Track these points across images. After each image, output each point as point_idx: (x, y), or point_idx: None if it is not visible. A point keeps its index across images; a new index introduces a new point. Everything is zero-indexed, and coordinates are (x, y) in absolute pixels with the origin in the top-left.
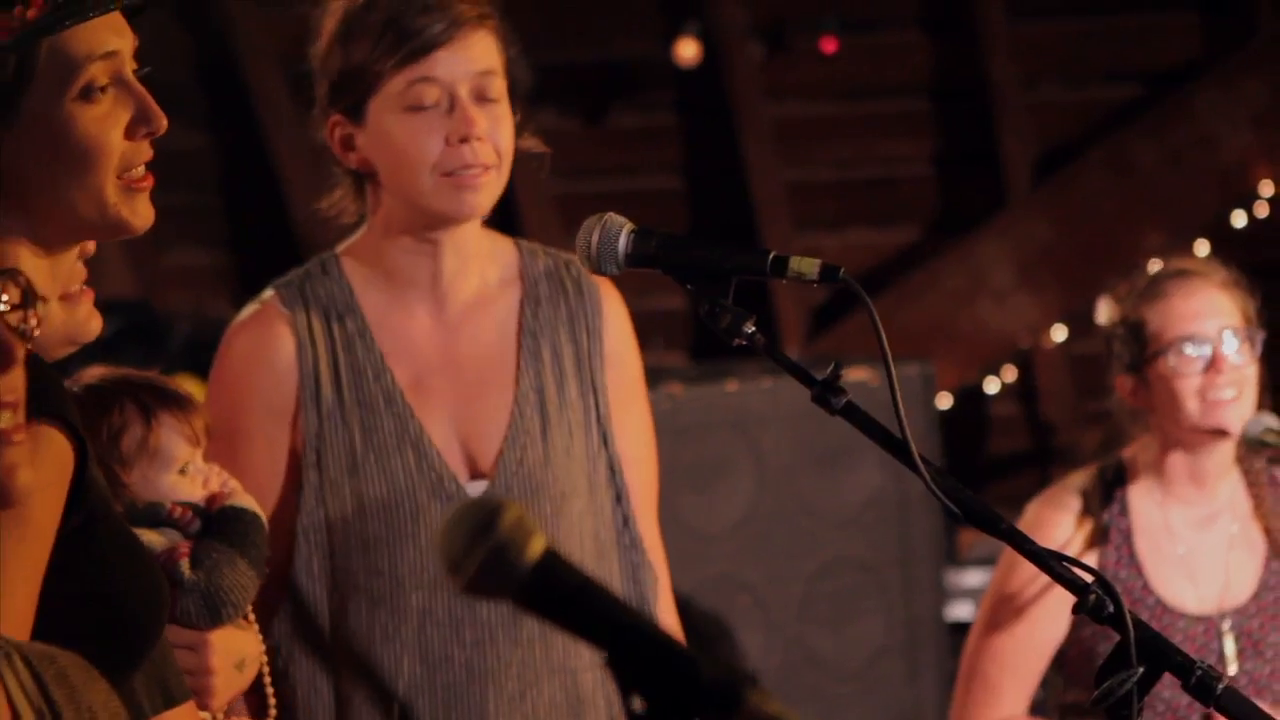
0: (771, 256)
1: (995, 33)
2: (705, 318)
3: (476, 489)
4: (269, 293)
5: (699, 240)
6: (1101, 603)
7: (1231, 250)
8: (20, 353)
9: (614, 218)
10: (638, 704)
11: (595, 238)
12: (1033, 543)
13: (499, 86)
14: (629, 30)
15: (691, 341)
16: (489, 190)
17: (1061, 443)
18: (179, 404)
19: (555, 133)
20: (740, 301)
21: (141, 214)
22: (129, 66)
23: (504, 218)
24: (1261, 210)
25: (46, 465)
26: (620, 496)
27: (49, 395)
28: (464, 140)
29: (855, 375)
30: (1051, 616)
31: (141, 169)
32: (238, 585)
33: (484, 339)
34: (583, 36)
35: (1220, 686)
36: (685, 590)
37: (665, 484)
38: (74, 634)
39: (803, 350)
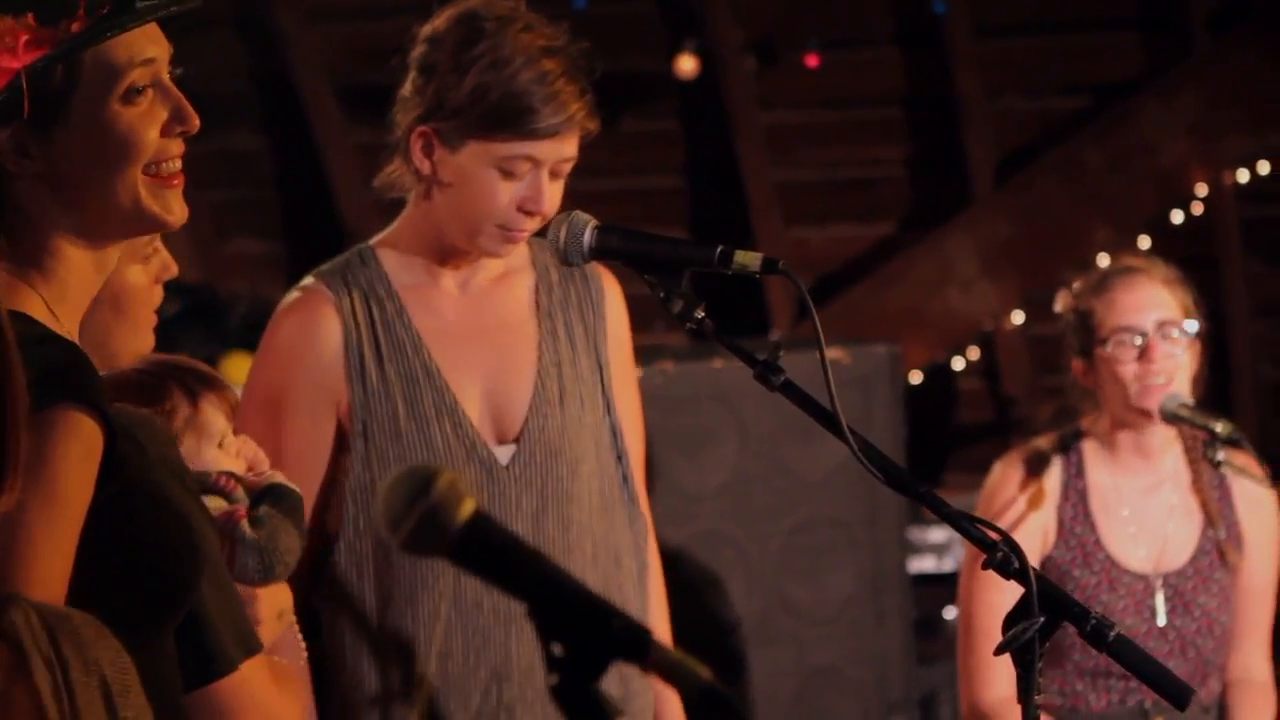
0: (719, 250)
1: (962, 49)
2: (661, 304)
3: (505, 453)
4: (311, 279)
5: (655, 236)
6: (1008, 559)
7: (1170, 245)
8: None
9: (579, 215)
10: (558, 649)
11: (563, 232)
12: (946, 505)
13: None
14: (636, 46)
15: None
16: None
17: (1021, 415)
18: (216, 384)
19: None
20: (736, 289)
21: (175, 210)
22: (166, 71)
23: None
24: (1197, 209)
25: (75, 446)
26: (620, 457)
27: (79, 382)
28: (531, 214)
29: (830, 354)
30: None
31: (174, 164)
32: (289, 547)
33: (506, 316)
34: (596, 53)
35: (1112, 634)
36: (676, 545)
37: (658, 450)
38: (115, 590)
39: (790, 332)
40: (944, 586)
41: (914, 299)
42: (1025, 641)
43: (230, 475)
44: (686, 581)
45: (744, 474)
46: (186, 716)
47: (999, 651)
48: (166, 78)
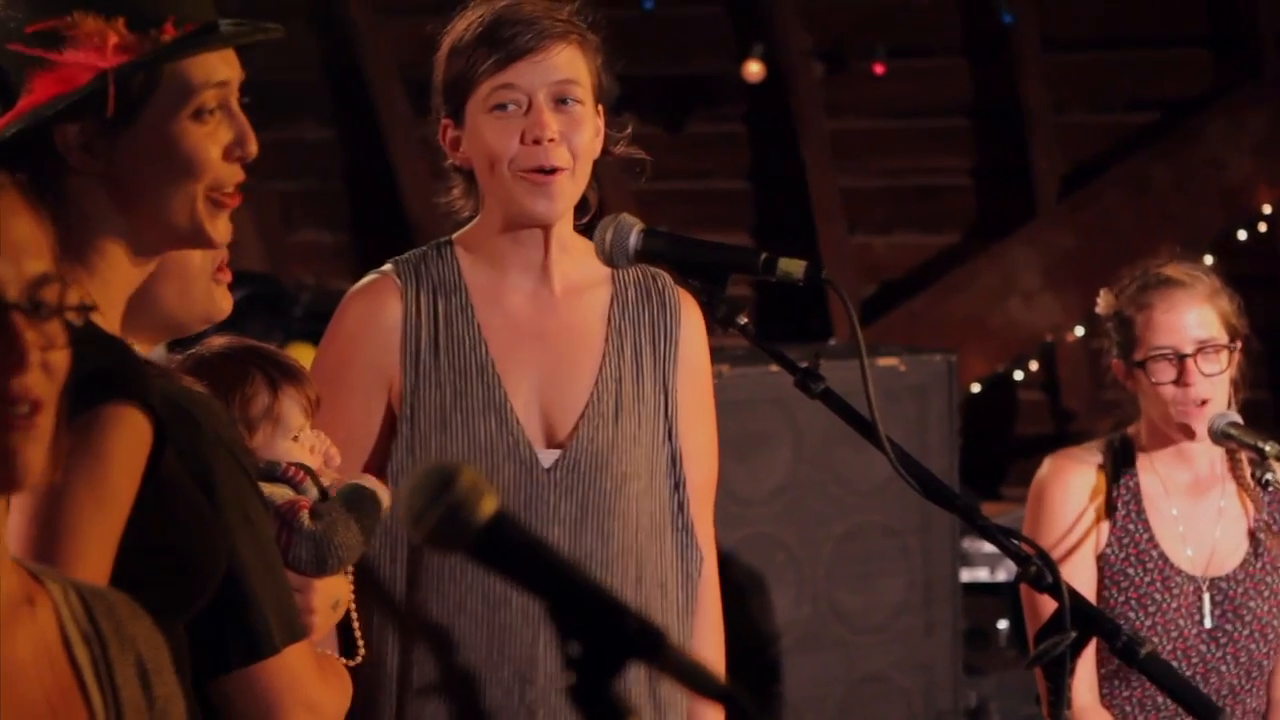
0: (763, 256)
1: (1030, 61)
2: (704, 308)
3: (549, 457)
4: (388, 266)
5: (701, 240)
6: (1041, 573)
7: (1235, 262)
8: (31, 356)
9: (626, 218)
10: (575, 648)
11: (610, 234)
12: (982, 517)
13: (578, 92)
14: (705, 50)
15: (754, 327)
16: (562, 193)
17: (1080, 428)
18: (298, 378)
19: (637, 138)
20: (799, 294)
21: (221, 230)
22: (235, 96)
23: (587, 213)
24: (1262, 227)
25: (125, 441)
26: (678, 485)
27: (128, 379)
28: (536, 141)
29: (886, 361)
30: (1076, 566)
31: (230, 188)
32: (346, 544)
33: (576, 322)
34: (664, 54)
35: (1143, 650)
36: (728, 547)
37: None
38: (143, 578)
39: (849, 339)
40: (997, 597)
41: (976, 309)
42: (1056, 656)
43: (301, 467)
44: (736, 585)
45: (797, 479)
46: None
47: (1029, 665)
48: (235, 103)
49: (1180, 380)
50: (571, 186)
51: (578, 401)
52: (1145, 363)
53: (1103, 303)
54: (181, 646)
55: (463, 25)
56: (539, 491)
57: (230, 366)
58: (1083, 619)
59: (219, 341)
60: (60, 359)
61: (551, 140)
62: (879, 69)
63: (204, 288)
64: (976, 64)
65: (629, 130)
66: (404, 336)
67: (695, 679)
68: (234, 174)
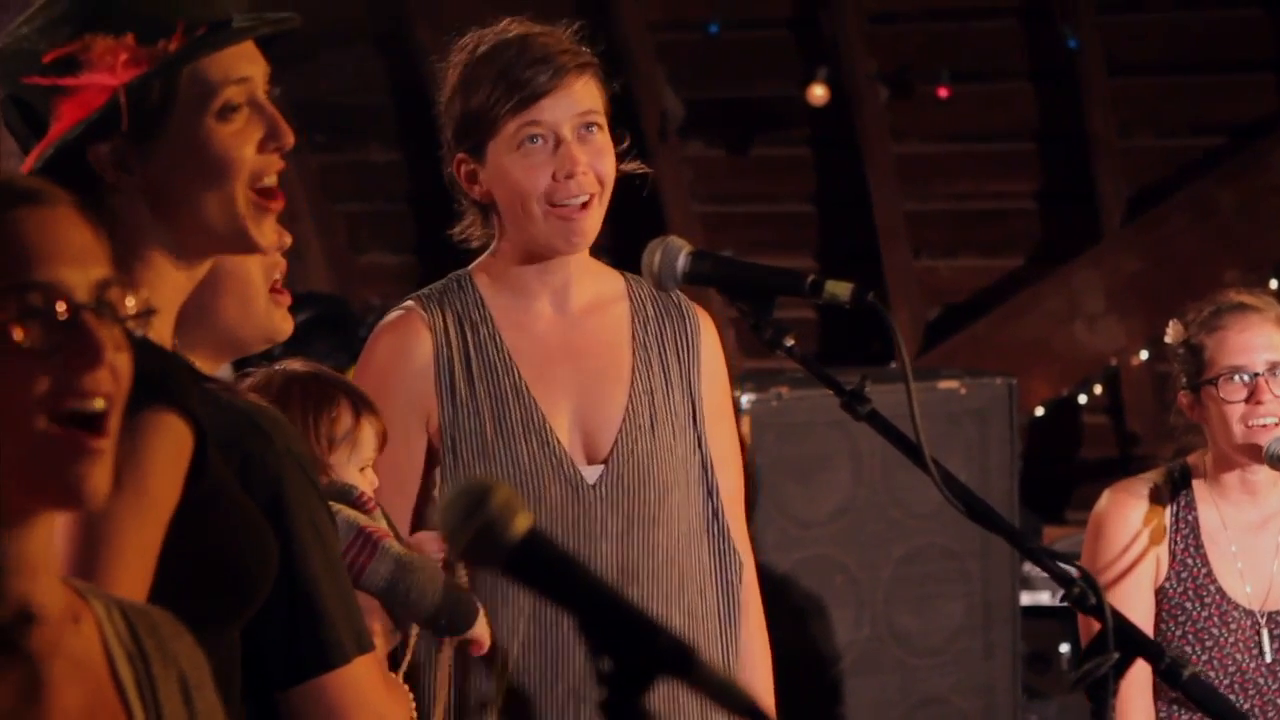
0: (810, 279)
1: (1095, 86)
2: (752, 330)
3: (593, 473)
4: (410, 301)
5: (748, 263)
6: (1085, 594)
7: None
8: (106, 353)
9: (674, 240)
10: (607, 664)
11: (658, 257)
12: (1026, 540)
13: (600, 120)
14: (770, 73)
15: (817, 349)
16: (591, 222)
17: (1144, 452)
18: (375, 409)
19: (703, 160)
20: (863, 320)
21: (267, 233)
22: (262, 90)
23: (652, 236)
24: None
25: (166, 448)
26: (711, 492)
27: (171, 385)
28: (569, 176)
29: (947, 384)
30: (1133, 599)
31: (272, 180)
32: (421, 586)
33: (602, 338)
34: (729, 78)
35: (1186, 673)
36: (787, 569)
37: (771, 474)
38: (190, 588)
39: (914, 363)
40: (1059, 621)
41: (1040, 333)
42: (1099, 677)
43: (372, 498)
44: (795, 607)
45: (857, 501)
46: (244, 715)
47: (1073, 687)
48: (263, 96)
49: (1252, 398)
50: (599, 213)
51: (614, 415)
52: (1217, 380)
53: (1172, 333)
54: (233, 657)
55: (466, 57)
56: (586, 509)
57: (319, 386)
58: (1127, 641)
59: (298, 363)
60: (126, 363)
61: (584, 174)
62: (943, 93)
63: (264, 306)
64: (1041, 88)
65: (626, 143)
66: (437, 369)
67: (727, 697)
68: (271, 164)
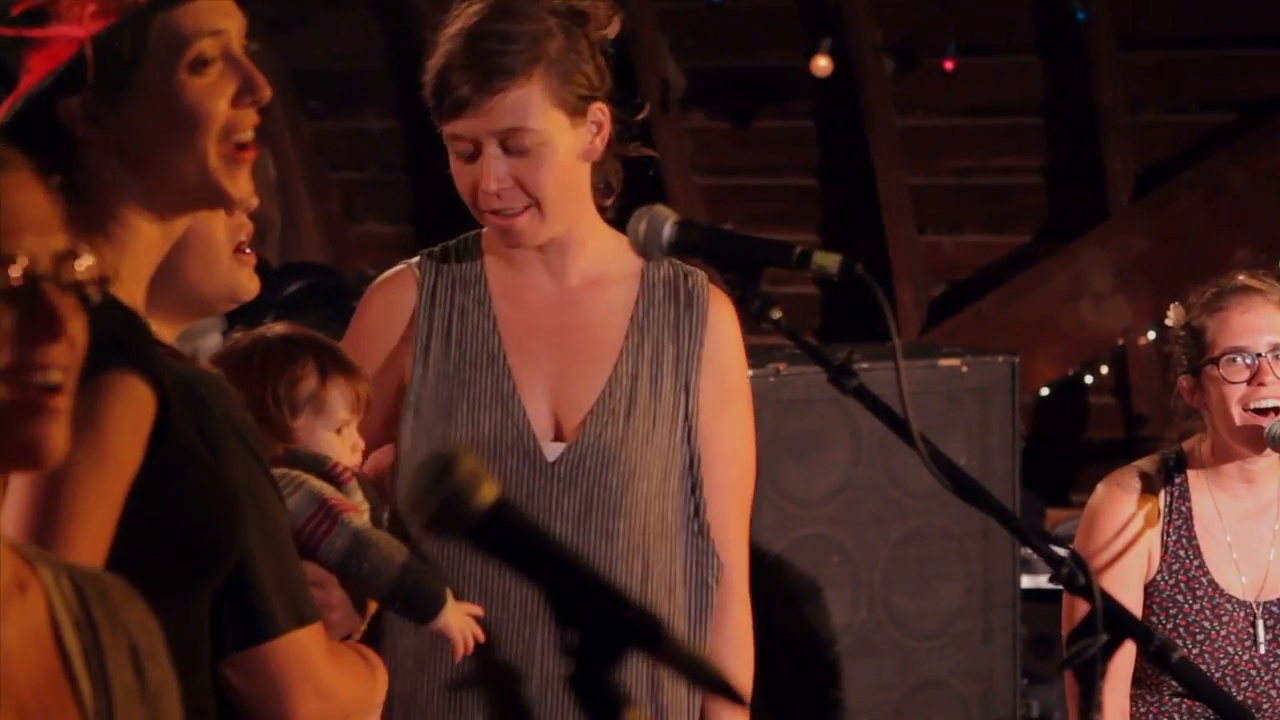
0: (798, 251)
1: (1104, 60)
2: (738, 302)
3: (554, 451)
4: (415, 258)
5: (735, 234)
6: (1074, 574)
7: None
8: (65, 325)
9: (660, 209)
10: (573, 637)
11: (643, 226)
12: (1014, 518)
13: (526, 138)
14: (773, 44)
15: (819, 324)
16: (529, 227)
17: (1150, 434)
18: (350, 372)
19: (705, 132)
20: (868, 296)
21: (241, 186)
22: (238, 44)
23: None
24: None
25: (127, 410)
26: (695, 488)
27: (133, 347)
28: (485, 191)
29: (948, 362)
30: (1123, 593)
31: (247, 135)
32: (379, 561)
33: (594, 318)
34: (732, 49)
35: (1175, 656)
36: (782, 549)
37: (768, 453)
38: (150, 555)
39: (917, 340)
40: (1060, 605)
41: (1046, 311)
42: (1088, 659)
43: (347, 468)
44: (791, 588)
45: (855, 480)
46: (213, 684)
47: (1061, 668)
48: (238, 49)
49: (1254, 380)
50: (542, 222)
51: (588, 396)
52: (1219, 360)
53: (1173, 315)
54: (201, 624)
55: (446, 34)
56: (542, 485)
57: (285, 348)
58: (1116, 623)
59: (283, 327)
60: (82, 330)
61: (503, 188)
62: (949, 65)
63: (228, 264)
64: (1049, 62)
65: (644, 112)
66: (415, 326)
67: (694, 669)
68: (247, 119)
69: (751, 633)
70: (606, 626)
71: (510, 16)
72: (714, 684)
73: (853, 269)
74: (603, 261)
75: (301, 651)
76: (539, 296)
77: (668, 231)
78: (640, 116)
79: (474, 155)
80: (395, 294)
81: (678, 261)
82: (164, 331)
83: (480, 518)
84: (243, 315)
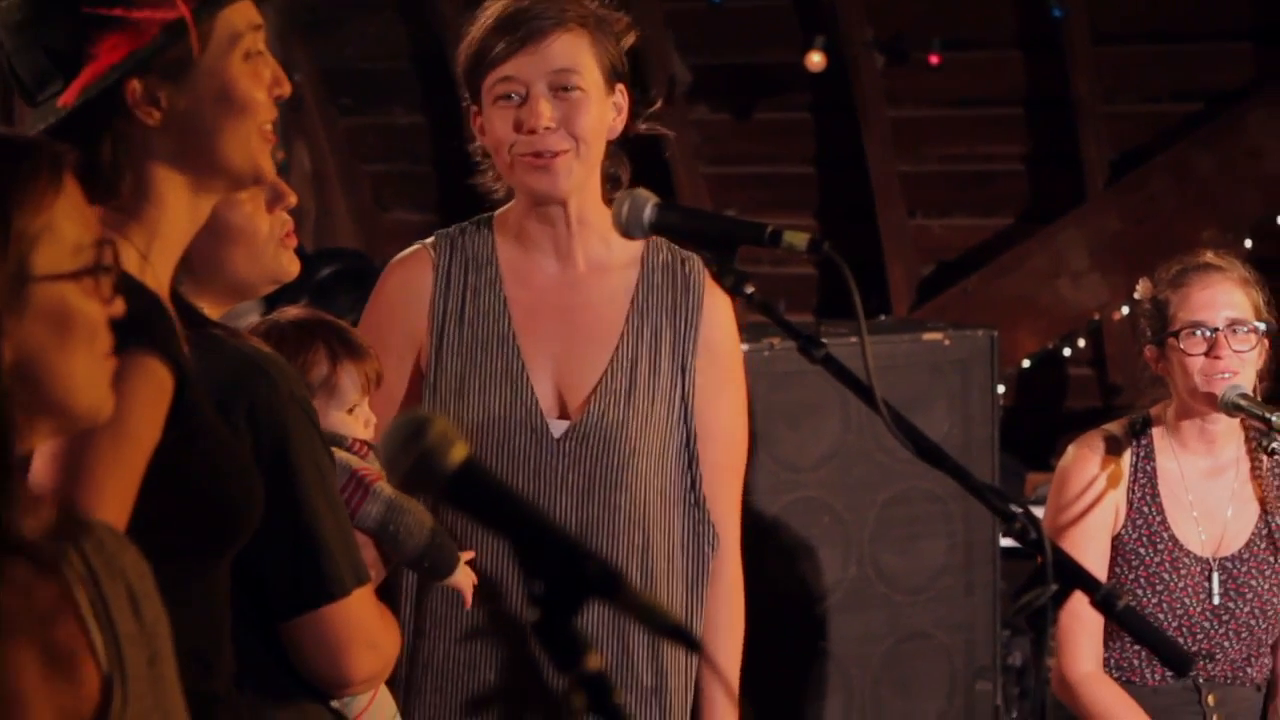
0: (769, 230)
1: (1080, 54)
2: (714, 278)
3: (560, 428)
4: (430, 239)
5: (713, 214)
6: (1026, 529)
7: (1272, 247)
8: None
9: (641, 192)
10: (538, 586)
11: (626, 208)
12: (970, 476)
13: (575, 80)
14: (771, 41)
15: (816, 303)
16: (564, 171)
17: (1125, 402)
18: (360, 354)
19: (708, 124)
20: (860, 276)
21: (268, 167)
22: (264, 39)
23: (662, 195)
24: None
25: (146, 388)
26: (691, 464)
27: (154, 329)
28: (532, 131)
29: (931, 336)
30: (1091, 546)
31: (271, 124)
32: (410, 525)
33: (597, 301)
34: (733, 47)
35: (1120, 604)
36: (777, 511)
37: (764, 421)
38: (174, 520)
39: (908, 315)
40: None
41: (1027, 289)
42: (1038, 608)
43: (365, 444)
44: (785, 547)
45: (845, 447)
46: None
47: (1011, 615)
48: (265, 46)
49: (1211, 353)
50: (578, 166)
51: (592, 377)
52: (1180, 333)
53: (1140, 289)
54: (222, 590)
55: (484, 14)
56: (548, 460)
57: (297, 334)
58: (1065, 573)
59: (292, 311)
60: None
61: (548, 128)
62: (936, 60)
63: (272, 252)
64: (1029, 56)
65: (658, 104)
66: (432, 306)
67: (652, 618)
68: (273, 110)
69: (743, 594)
70: (571, 577)
71: (544, 1)
72: (668, 630)
73: (820, 247)
74: (607, 247)
75: (361, 609)
76: (545, 278)
77: (648, 213)
78: (654, 109)
79: (519, 100)
80: (411, 274)
81: (676, 248)
82: (213, 313)
83: (451, 476)
84: (280, 296)
